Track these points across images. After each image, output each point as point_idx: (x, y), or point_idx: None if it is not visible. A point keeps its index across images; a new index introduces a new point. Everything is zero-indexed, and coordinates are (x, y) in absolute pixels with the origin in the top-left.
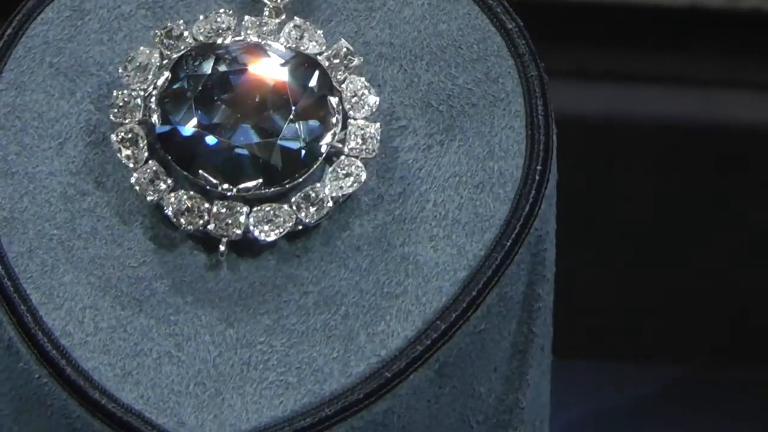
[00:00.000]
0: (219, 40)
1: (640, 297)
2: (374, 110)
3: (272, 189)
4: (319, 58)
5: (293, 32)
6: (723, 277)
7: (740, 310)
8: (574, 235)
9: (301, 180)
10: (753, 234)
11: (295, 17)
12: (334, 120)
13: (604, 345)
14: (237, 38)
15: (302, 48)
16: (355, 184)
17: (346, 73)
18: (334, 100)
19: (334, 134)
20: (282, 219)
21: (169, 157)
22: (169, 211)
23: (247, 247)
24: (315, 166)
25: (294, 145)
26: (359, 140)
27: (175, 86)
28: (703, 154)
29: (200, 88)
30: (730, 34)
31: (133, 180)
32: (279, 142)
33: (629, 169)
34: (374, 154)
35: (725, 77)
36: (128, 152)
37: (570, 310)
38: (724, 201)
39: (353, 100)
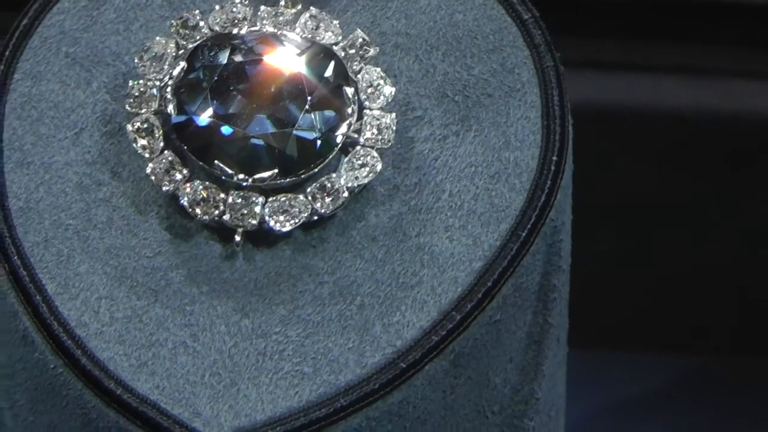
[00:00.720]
0: (235, 31)
1: (655, 288)
2: (390, 100)
3: (288, 179)
4: (334, 48)
5: (309, 22)
6: (735, 269)
7: (753, 301)
8: (590, 226)
9: (316, 170)
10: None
11: (311, 7)
12: (349, 110)
13: (619, 336)
14: (253, 28)
15: (318, 38)
16: (370, 175)
17: (362, 64)
18: (349, 91)
19: (350, 124)
20: (297, 209)
21: (185, 147)
22: (184, 202)
23: (262, 237)
24: (330, 157)
25: (310, 135)
26: (375, 130)
27: (190, 76)
28: (719, 144)
29: (216, 78)
30: (747, 26)
31: (148, 170)
32: (294, 132)
33: (645, 159)
34: (390, 144)
35: (742, 68)
36: (144, 142)
37: (586, 300)
38: (738, 193)
39: (369, 90)
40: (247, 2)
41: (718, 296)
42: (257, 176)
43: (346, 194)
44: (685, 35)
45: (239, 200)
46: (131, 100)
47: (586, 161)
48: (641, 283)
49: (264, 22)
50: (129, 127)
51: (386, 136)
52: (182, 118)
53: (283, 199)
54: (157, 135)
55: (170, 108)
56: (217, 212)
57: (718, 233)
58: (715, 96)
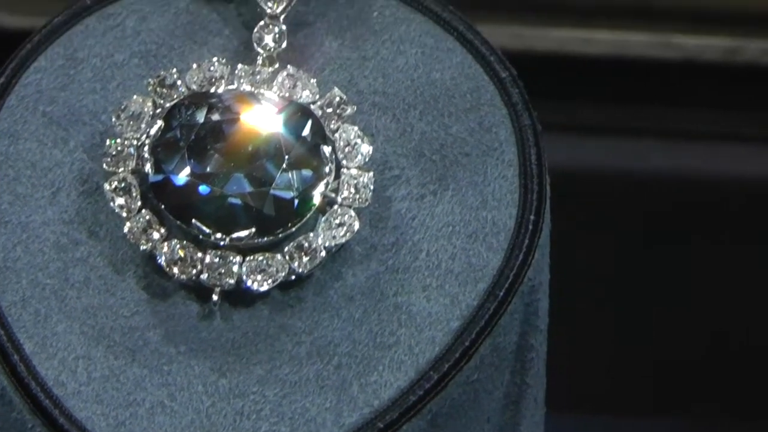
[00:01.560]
0: (212, 89)
1: (636, 350)
2: (367, 159)
3: (265, 238)
4: (312, 107)
5: (286, 81)
6: (721, 331)
7: (740, 363)
8: (568, 286)
9: (294, 229)
10: (753, 289)
11: (289, 66)
12: (327, 169)
13: (596, 398)
14: (230, 87)
15: (295, 97)
16: (348, 234)
17: (339, 122)
18: (327, 149)
19: (327, 183)
20: (275, 269)
21: (162, 207)
22: (162, 261)
23: (240, 296)
24: (308, 216)
25: (287, 194)
26: (352, 189)
27: (168, 135)
28: (697, 207)
29: (193, 137)
30: (726, 88)
31: (126, 229)
32: (272, 191)
33: (625, 222)
34: (367, 203)
35: (721, 131)
36: (121, 201)
37: (564, 361)
38: (721, 254)
39: (346, 149)
40: (224, 61)
41: (705, 358)
42: (235, 235)
43: (323, 254)
44: (664, 98)
45: (217, 259)
46: (108, 159)
47: (566, 223)
48: (621, 344)
49: (241, 80)
50: (106, 186)
51: (364, 196)
52: (159, 177)
53: (261, 258)
54: (134, 194)
55: (148, 167)
56: (194, 271)
57: (701, 295)
58: (695, 159)
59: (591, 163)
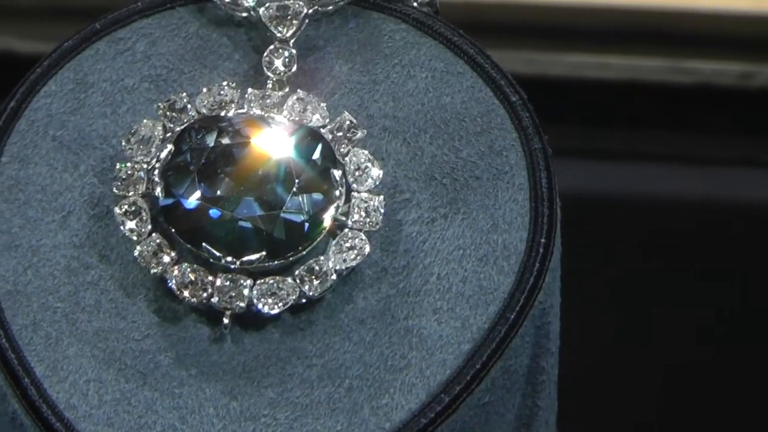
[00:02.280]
0: (222, 113)
1: (648, 375)
2: (378, 183)
3: (276, 262)
4: (322, 130)
5: (296, 105)
6: (730, 359)
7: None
8: (580, 309)
9: (304, 253)
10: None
11: (299, 90)
12: (337, 193)
13: (608, 422)
14: (240, 111)
15: (305, 121)
16: (358, 257)
17: (350, 146)
18: (337, 173)
19: (338, 207)
20: (286, 292)
21: (173, 230)
22: (172, 284)
23: (250, 320)
24: (318, 239)
25: (297, 218)
26: (363, 213)
27: (178, 159)
28: (711, 233)
29: (203, 161)
30: (740, 113)
31: (136, 253)
32: (282, 215)
33: (637, 246)
34: (378, 227)
35: (735, 156)
36: (132, 225)
37: (575, 385)
38: (734, 280)
39: (356, 173)
40: (234, 85)
41: (712, 389)
42: (245, 259)
43: (334, 277)
44: (678, 123)
45: (227, 283)
46: (119, 182)
47: (578, 248)
48: (632, 369)
49: (251, 104)
50: (116, 210)
51: (374, 219)
52: (170, 200)
53: (271, 281)
54: (144, 218)
55: (158, 191)
56: (205, 295)
57: (713, 324)
58: (711, 184)
59: (605, 188)
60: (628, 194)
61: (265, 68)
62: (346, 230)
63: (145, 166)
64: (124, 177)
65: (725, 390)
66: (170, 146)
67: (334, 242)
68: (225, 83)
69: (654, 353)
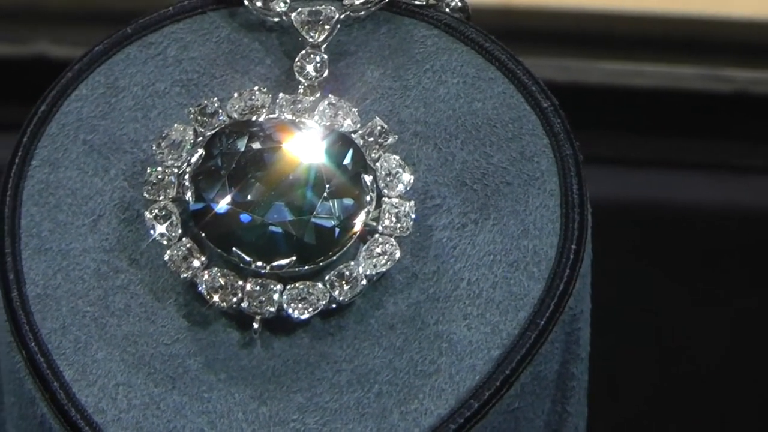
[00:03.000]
0: (253, 118)
1: (679, 380)
2: (408, 188)
3: (306, 267)
4: (353, 135)
5: (328, 110)
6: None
7: None
8: (611, 316)
9: (335, 258)
10: None
11: (330, 95)
12: (368, 198)
13: (639, 429)
14: (271, 116)
15: (337, 126)
16: (389, 263)
17: (381, 151)
18: (368, 178)
19: (368, 212)
20: (316, 297)
21: (203, 235)
22: (202, 289)
23: (280, 324)
24: (349, 245)
25: (328, 223)
26: (393, 218)
27: (209, 163)
28: (747, 241)
29: (234, 165)
30: None
31: (166, 257)
32: (313, 219)
33: (674, 254)
34: (408, 232)
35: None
36: (162, 229)
37: (605, 391)
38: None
39: (387, 178)
40: (265, 89)
41: (742, 396)
42: (275, 264)
43: (364, 282)
44: (715, 131)
45: (257, 288)
46: (149, 187)
47: (615, 255)
48: (663, 374)
49: (282, 109)
50: (147, 214)
51: (405, 224)
52: (200, 205)
53: (302, 286)
54: (175, 222)
55: (188, 195)
56: (235, 299)
57: (751, 331)
58: (747, 192)
59: (640, 196)
60: (663, 202)
61: (296, 73)
62: (377, 235)
63: (175, 170)
64: (154, 181)
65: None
66: (201, 150)
67: (364, 247)
68: (256, 88)
69: (685, 359)
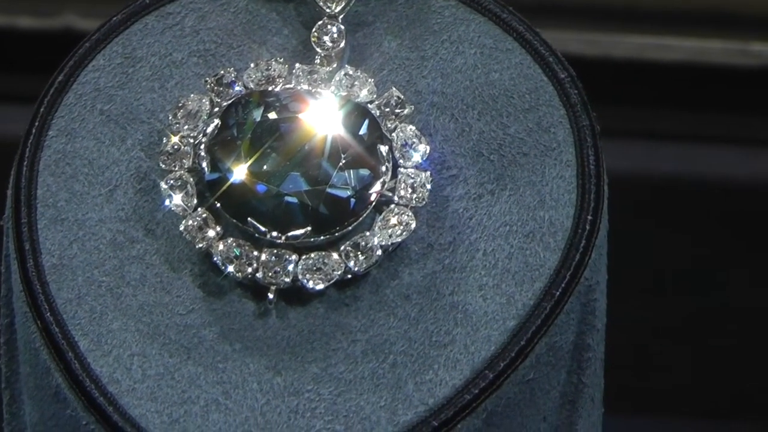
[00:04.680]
0: (270, 88)
1: (694, 353)
2: (424, 159)
3: (321, 237)
4: (369, 106)
5: (344, 80)
6: None
7: None
8: (632, 290)
9: (350, 228)
10: None
11: (347, 65)
12: (383, 168)
13: (656, 401)
14: (288, 86)
15: (353, 96)
16: (404, 233)
17: (397, 122)
18: (384, 149)
19: (384, 183)
20: (331, 267)
21: (218, 205)
22: (217, 259)
23: (295, 295)
24: (364, 215)
25: (343, 193)
26: (409, 189)
27: (224, 134)
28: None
29: (250, 135)
30: None
31: (182, 227)
32: (328, 190)
33: (701, 228)
34: (424, 202)
35: None
36: (177, 199)
37: (622, 365)
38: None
39: (403, 148)
40: (282, 60)
41: (759, 364)
42: (290, 234)
43: (379, 252)
44: (742, 105)
45: (272, 258)
46: (165, 157)
47: (649, 227)
48: (678, 348)
49: (299, 79)
50: (163, 184)
51: (421, 195)
52: (216, 175)
53: (317, 257)
54: (190, 192)
55: (204, 165)
56: (250, 270)
57: (758, 302)
58: (766, 166)
59: (666, 170)
60: (686, 176)
61: (313, 43)
62: (393, 206)
63: (191, 140)
64: (170, 151)
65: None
66: (217, 121)
67: (380, 218)
68: (273, 58)
69: (700, 332)
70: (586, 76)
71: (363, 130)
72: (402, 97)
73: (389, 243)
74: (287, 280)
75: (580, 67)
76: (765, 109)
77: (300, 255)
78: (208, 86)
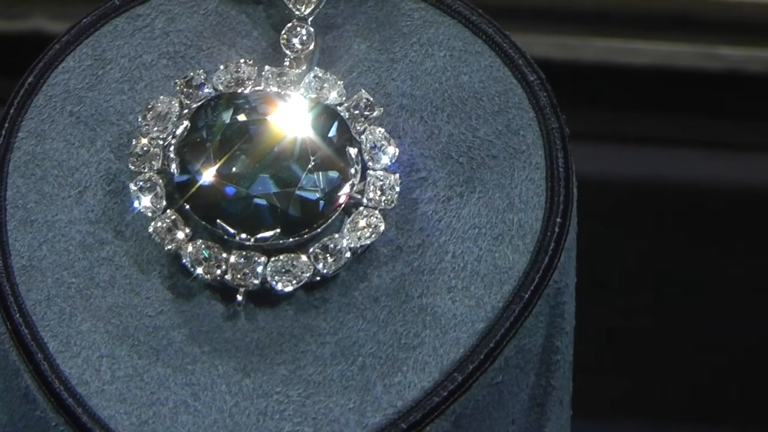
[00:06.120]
0: (239, 90)
1: (662, 357)
2: (393, 161)
3: (290, 239)
4: (339, 108)
5: (313, 83)
6: (747, 342)
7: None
8: (596, 291)
9: (319, 230)
10: None
11: (316, 68)
12: (353, 171)
13: (624, 403)
14: (257, 88)
15: (322, 98)
16: (373, 236)
17: (366, 124)
18: (353, 151)
19: (353, 185)
20: (300, 269)
21: (188, 207)
22: (186, 261)
23: (264, 297)
24: (333, 217)
25: (312, 195)
26: (378, 191)
27: (194, 135)
28: (739, 217)
29: (219, 137)
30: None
31: (151, 229)
32: (297, 192)
33: (667, 231)
34: (393, 205)
35: (764, 142)
36: (147, 201)
37: (590, 367)
38: (760, 264)
39: (372, 151)
40: (251, 62)
41: (724, 366)
42: (259, 236)
43: (348, 255)
44: (709, 109)
45: (241, 260)
46: (134, 158)
47: (611, 231)
48: (646, 352)
49: (268, 82)
50: (132, 186)
51: (390, 197)
52: (185, 177)
53: (286, 259)
54: (159, 194)
55: (173, 167)
56: (219, 272)
57: (733, 306)
58: (740, 169)
59: (633, 173)
60: (654, 179)
61: (282, 46)
62: (361, 208)
63: (161, 142)
64: (140, 153)
65: (748, 367)
66: (186, 122)
67: (349, 220)
68: (242, 60)
69: (668, 334)
70: (554, 79)
71: (332, 133)
72: (371, 99)
73: (358, 245)
74: (256, 282)
75: (549, 71)
76: (732, 112)
77: (269, 257)
78: (178, 88)
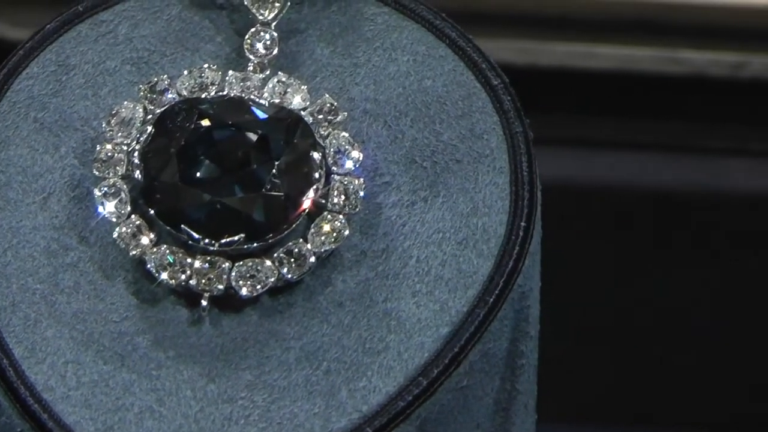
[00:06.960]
0: (203, 95)
1: (627, 361)
2: (357, 166)
3: (255, 244)
4: (302, 113)
5: (277, 87)
6: (712, 345)
7: (730, 376)
8: (562, 295)
9: (283, 235)
10: (757, 304)
11: (279, 72)
12: (317, 175)
13: (590, 406)
14: (221, 93)
15: (286, 103)
16: (337, 240)
17: (330, 129)
18: (317, 156)
19: (317, 190)
20: (264, 274)
21: (152, 212)
22: (151, 266)
23: (229, 302)
24: (298, 222)
25: (276, 200)
26: (342, 196)
27: (158, 141)
28: (702, 221)
29: (183, 142)
30: (732, 103)
31: (115, 235)
32: (261, 197)
33: (629, 235)
34: (357, 209)
35: (726, 145)
36: (111, 207)
37: (556, 371)
38: (723, 267)
39: (336, 155)
40: (215, 67)
41: (689, 367)
42: (224, 241)
43: (312, 260)
44: (671, 113)
45: (206, 265)
46: (99, 164)
47: (573, 236)
48: (612, 354)
49: (232, 87)
50: (96, 192)
51: (354, 202)
52: (149, 182)
53: (250, 264)
54: (124, 199)
55: (137, 173)
56: (183, 277)
57: (700, 310)
58: (702, 173)
59: (596, 178)
60: (622, 182)
61: (246, 51)
62: (326, 213)
63: (125, 147)
64: (104, 158)
65: (715, 369)
66: (150, 128)
67: (313, 225)
68: (206, 66)
69: (633, 339)
70: (515, 84)
71: (296, 138)
72: (335, 104)
73: (322, 250)
74: (221, 287)
75: (510, 75)
76: (694, 116)
77: (233, 262)
78: (142, 94)
